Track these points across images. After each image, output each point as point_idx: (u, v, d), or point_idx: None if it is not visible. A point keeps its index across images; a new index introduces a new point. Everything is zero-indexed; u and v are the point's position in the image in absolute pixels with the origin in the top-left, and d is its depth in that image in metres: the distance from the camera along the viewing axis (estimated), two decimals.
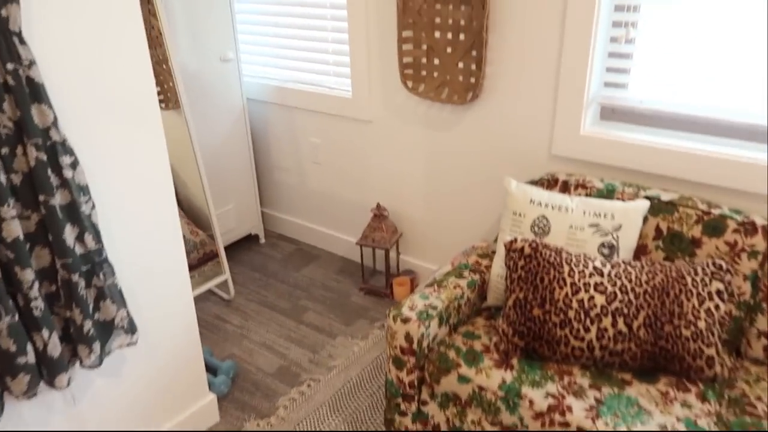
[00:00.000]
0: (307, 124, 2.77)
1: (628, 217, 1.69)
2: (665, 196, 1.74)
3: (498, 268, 1.78)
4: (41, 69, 1.29)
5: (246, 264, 2.90)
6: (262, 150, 3.06)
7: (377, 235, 2.49)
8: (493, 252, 1.94)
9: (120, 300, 1.48)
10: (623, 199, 1.78)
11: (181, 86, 2.27)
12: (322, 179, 2.85)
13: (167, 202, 1.64)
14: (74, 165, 1.33)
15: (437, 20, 2.12)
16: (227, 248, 3.01)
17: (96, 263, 1.41)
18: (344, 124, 2.62)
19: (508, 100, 2.10)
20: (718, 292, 1.50)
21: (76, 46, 1.34)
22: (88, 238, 1.38)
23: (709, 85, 1.74)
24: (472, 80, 2.12)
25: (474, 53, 2.08)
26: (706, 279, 1.51)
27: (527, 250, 1.60)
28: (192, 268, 2.48)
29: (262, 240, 3.12)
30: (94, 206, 1.40)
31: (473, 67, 2.10)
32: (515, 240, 1.64)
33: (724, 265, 1.52)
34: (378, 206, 2.50)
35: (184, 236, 2.43)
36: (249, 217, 3.01)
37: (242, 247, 3.06)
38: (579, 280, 1.54)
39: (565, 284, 1.54)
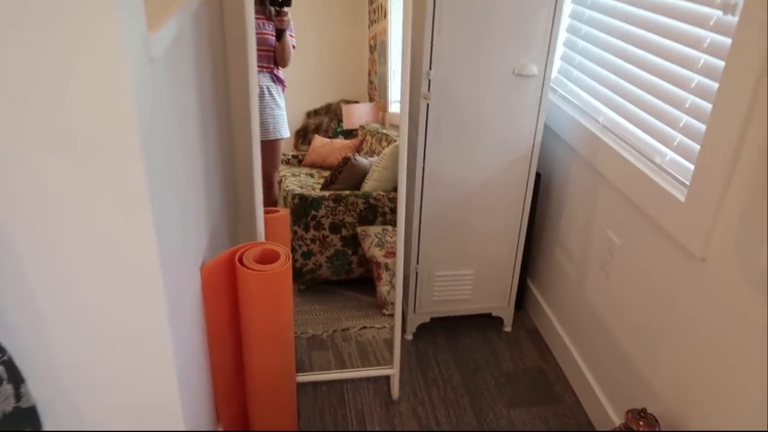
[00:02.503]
0: (612, 208, 1.65)
1: None
2: None
3: None
4: None
5: (458, 352, 2.05)
6: (548, 209, 2.06)
7: None
8: None
9: None
10: None
11: (405, 98, 1.49)
12: (603, 297, 1.72)
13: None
14: None
15: None
16: (452, 319, 2.20)
17: None
18: (660, 240, 1.43)
19: None
20: None
21: None
22: None
23: None
24: None
25: None
26: None
27: None
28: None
29: (507, 328, 2.18)
30: None
31: None
32: None
33: None
34: (641, 414, 1.30)
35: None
36: (495, 293, 2.10)
37: (474, 325, 2.19)
38: None
39: None
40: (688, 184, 1.31)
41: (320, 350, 2.10)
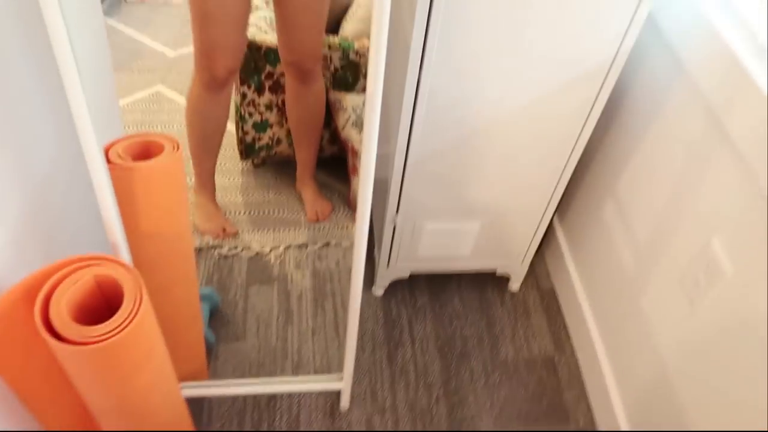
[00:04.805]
0: (732, 202, 0.94)
1: None
2: None
3: None
4: None
5: (443, 322, 1.48)
6: (607, 145, 1.33)
7: None
8: None
9: None
10: None
11: None
12: (673, 330, 1.10)
13: None
14: None
15: None
16: (435, 278, 1.59)
17: None
18: None
19: None
20: None
21: None
22: None
23: None
24: None
25: None
26: None
27: None
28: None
29: (514, 286, 1.59)
30: None
31: None
32: None
33: None
34: None
35: None
36: (506, 250, 1.47)
37: (470, 280, 1.59)
38: None
39: None
40: None
41: (262, 284, 1.55)
